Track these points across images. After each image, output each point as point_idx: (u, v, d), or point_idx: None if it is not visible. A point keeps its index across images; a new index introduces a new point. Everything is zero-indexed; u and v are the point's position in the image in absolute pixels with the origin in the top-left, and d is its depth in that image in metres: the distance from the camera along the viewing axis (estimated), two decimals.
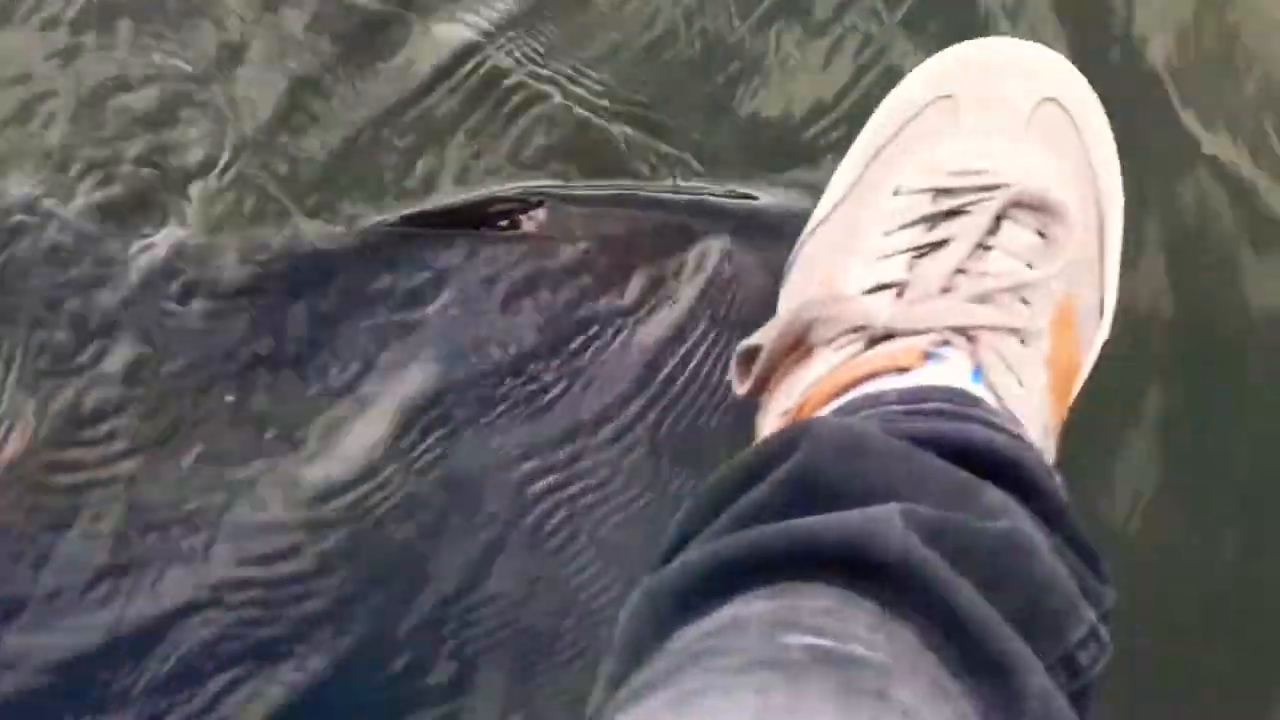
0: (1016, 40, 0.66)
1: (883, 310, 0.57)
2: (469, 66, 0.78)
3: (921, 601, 0.44)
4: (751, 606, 0.44)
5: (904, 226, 0.61)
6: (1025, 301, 0.58)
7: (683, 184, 0.77)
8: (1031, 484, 0.51)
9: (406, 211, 0.75)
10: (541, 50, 0.79)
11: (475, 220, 0.75)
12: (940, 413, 0.54)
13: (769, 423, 0.60)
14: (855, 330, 0.57)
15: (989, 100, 0.63)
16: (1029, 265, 0.59)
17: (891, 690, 0.39)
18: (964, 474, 0.49)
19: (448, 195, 0.76)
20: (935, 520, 0.46)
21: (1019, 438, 0.54)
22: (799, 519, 0.46)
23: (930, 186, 0.61)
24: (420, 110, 0.78)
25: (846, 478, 0.48)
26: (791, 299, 0.65)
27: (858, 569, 0.44)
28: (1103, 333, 0.64)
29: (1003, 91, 0.63)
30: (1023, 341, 0.57)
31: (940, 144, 0.63)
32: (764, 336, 0.60)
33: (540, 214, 0.76)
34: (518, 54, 0.79)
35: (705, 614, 0.45)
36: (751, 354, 0.60)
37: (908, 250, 0.60)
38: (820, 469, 0.48)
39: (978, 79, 0.64)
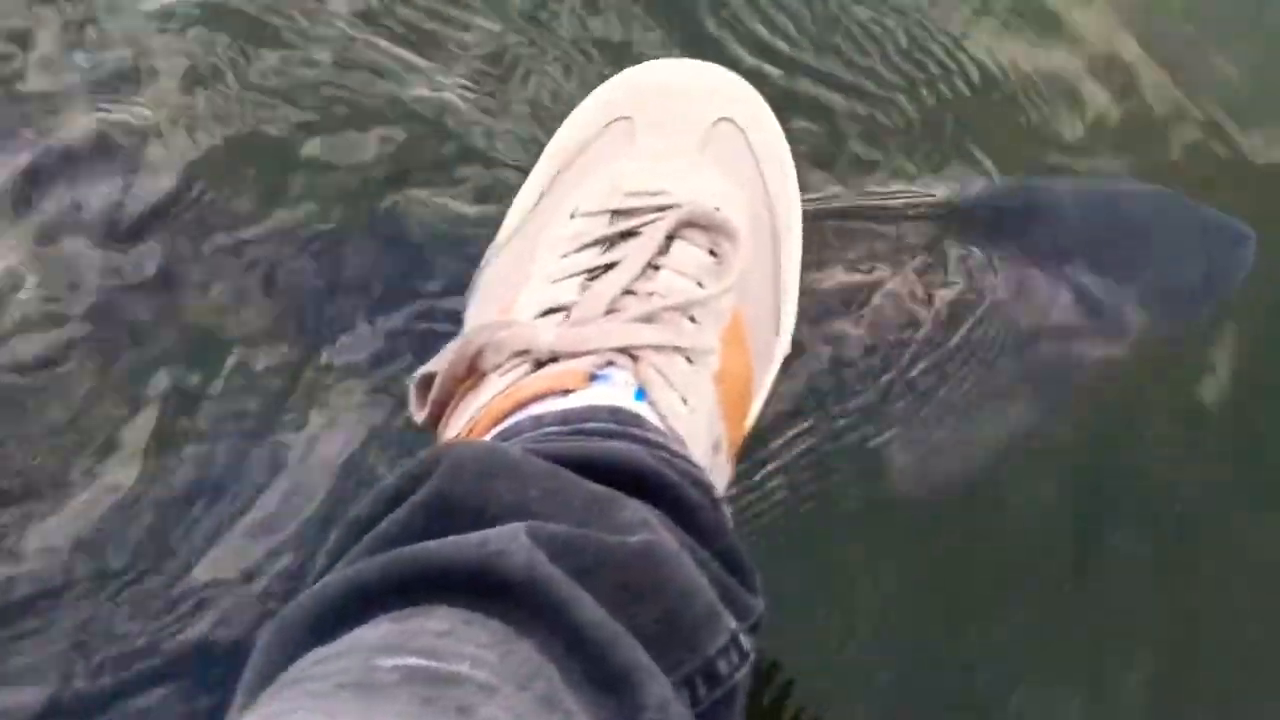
0: (692, 61, 0.66)
1: (548, 334, 0.57)
2: None
3: (544, 618, 0.43)
4: (376, 630, 0.43)
5: (580, 249, 0.60)
6: (693, 320, 0.58)
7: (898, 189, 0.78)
8: (681, 500, 0.50)
9: None
10: None
11: None
12: (605, 433, 0.53)
13: None
14: (521, 354, 0.57)
15: (665, 121, 0.64)
16: (699, 284, 0.59)
17: (480, 706, 0.39)
18: (602, 490, 0.48)
19: None
20: (564, 537, 0.45)
21: (679, 455, 0.54)
22: (432, 541, 0.46)
23: (606, 208, 0.61)
24: None
25: (482, 499, 0.47)
26: (471, 325, 0.64)
27: (482, 589, 0.44)
28: (782, 348, 0.65)
29: (678, 112, 0.64)
30: (689, 359, 0.57)
31: (617, 166, 0.63)
32: (438, 363, 0.59)
33: None
34: None
35: (334, 640, 0.44)
36: (428, 381, 0.60)
37: (581, 273, 0.60)
38: (456, 491, 0.47)
39: (654, 100, 0.64)
